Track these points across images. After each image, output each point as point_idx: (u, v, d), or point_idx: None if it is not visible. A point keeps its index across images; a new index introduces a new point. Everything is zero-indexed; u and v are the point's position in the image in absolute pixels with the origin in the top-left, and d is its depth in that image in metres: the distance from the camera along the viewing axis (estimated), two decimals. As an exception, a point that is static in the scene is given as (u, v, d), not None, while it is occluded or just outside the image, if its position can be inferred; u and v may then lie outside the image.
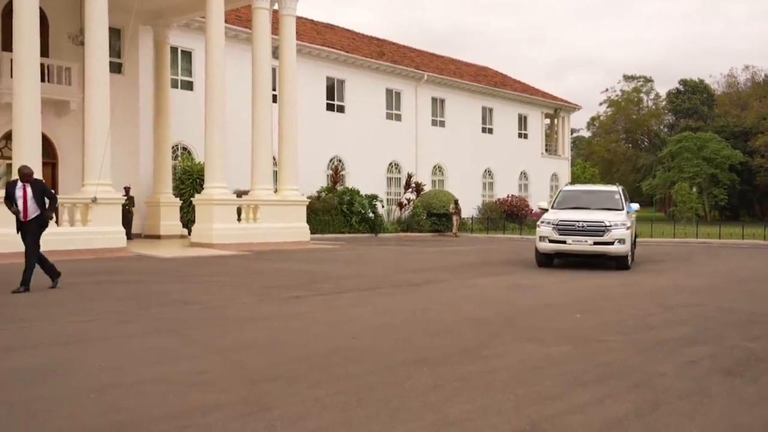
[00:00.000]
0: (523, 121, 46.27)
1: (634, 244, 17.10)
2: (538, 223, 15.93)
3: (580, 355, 6.64)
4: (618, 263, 15.52)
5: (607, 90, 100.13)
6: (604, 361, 6.35)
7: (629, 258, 15.92)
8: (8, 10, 18.57)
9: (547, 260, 16.01)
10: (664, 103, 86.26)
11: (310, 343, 7.14)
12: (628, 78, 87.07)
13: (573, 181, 52.52)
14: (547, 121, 49.56)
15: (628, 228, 15.21)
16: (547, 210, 16.60)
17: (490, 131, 43.64)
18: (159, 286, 11.91)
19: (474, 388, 5.37)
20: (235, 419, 4.54)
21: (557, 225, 15.42)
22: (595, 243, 15.05)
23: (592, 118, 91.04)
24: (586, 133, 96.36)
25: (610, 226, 15.02)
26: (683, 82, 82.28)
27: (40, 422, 4.48)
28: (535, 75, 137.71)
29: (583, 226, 15.20)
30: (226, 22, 22.01)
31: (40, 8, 17.83)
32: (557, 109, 48.70)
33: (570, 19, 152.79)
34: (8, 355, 6.50)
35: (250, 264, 16.35)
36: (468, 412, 4.75)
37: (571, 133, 62.60)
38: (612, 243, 15.02)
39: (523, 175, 45.98)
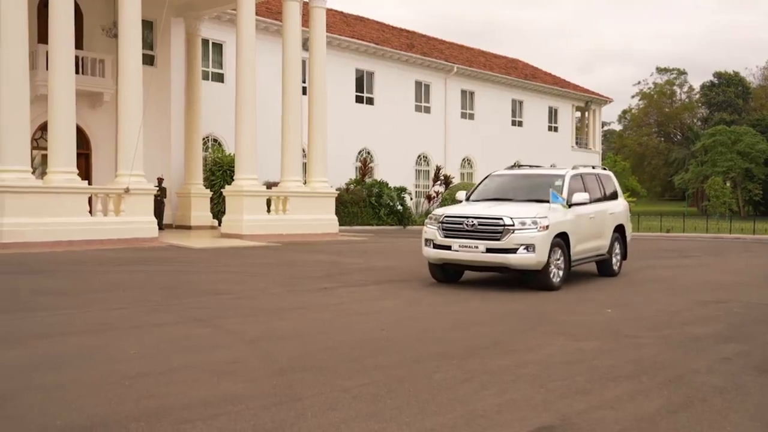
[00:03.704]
0: (553, 114, 45.86)
1: (621, 242, 13.24)
2: (426, 220, 11.50)
3: (610, 350, 6.58)
4: (537, 280, 10.62)
5: (639, 83, 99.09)
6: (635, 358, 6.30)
7: (613, 263, 12.80)
8: (44, 3, 18.86)
9: (443, 273, 11.42)
10: (697, 96, 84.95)
11: (339, 334, 7.18)
12: (661, 70, 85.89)
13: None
14: (578, 114, 49.06)
15: (544, 228, 10.38)
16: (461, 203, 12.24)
17: (520, 124, 43.32)
18: (190, 276, 12.05)
19: (503, 381, 5.36)
20: (266, 408, 4.58)
21: (442, 223, 10.94)
22: (489, 250, 10.41)
23: (624, 111, 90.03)
24: (618, 127, 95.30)
25: (511, 225, 10.31)
26: (718, 74, 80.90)
27: (77, 407, 4.57)
28: (567, 68, 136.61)
29: (473, 225, 10.56)
30: (256, 14, 22.11)
31: (75, 1, 18.11)
32: (588, 101, 48.17)
33: (603, 12, 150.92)
34: (44, 342, 6.63)
35: (279, 255, 16.46)
36: (497, 405, 4.74)
37: (602, 127, 61.88)
38: (513, 250, 10.28)
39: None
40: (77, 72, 19.33)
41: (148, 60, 24.08)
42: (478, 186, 12.65)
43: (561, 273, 10.87)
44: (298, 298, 9.71)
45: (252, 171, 21.30)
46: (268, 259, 15.54)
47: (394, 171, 34.47)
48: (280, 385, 5.17)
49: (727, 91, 78.62)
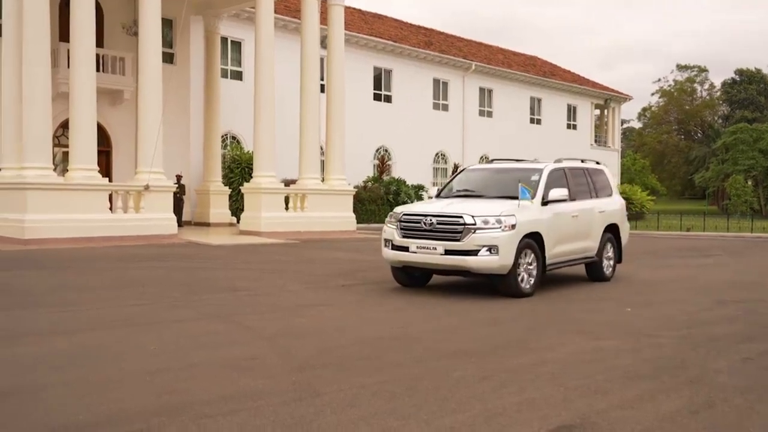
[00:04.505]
0: (572, 111, 45.59)
1: (614, 244, 12.06)
2: (387, 218, 10.54)
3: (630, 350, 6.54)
4: (503, 285, 9.59)
5: (659, 80, 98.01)
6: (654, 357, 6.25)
7: (604, 267, 11.71)
8: (65, 2, 19.04)
9: (406, 276, 10.47)
10: (718, 93, 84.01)
11: (357, 331, 7.19)
12: (681, 68, 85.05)
13: (622, 174, 51.58)
14: (597, 111, 48.73)
15: (509, 227, 9.34)
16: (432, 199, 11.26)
17: (539, 122, 43.11)
18: (209, 273, 12.12)
19: (522, 380, 5.34)
20: (285, 404, 4.60)
21: (400, 222, 10.01)
22: (448, 252, 9.41)
23: (644, 109, 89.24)
24: (637, 124, 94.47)
25: (472, 224, 9.31)
26: (739, 71, 79.98)
27: (99, 402, 4.62)
28: (586, 65, 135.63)
29: (431, 224, 9.61)
30: (275, 12, 22.18)
31: (96, 0, 18.25)
32: (607, 99, 47.83)
33: (622, 8, 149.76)
34: (66, 337, 6.71)
35: (297, 252, 16.51)
36: (517, 403, 4.73)
37: (622, 124, 61.44)
38: (474, 252, 9.27)
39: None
40: (98, 70, 19.50)
41: (168, 58, 24.22)
42: (450, 181, 11.74)
43: (533, 278, 9.76)
44: (317, 295, 9.74)
45: (270, 168, 21.38)
46: (286, 256, 15.59)
47: (412, 169, 34.43)
48: (299, 381, 5.18)
49: (749, 88, 77.71)
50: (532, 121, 42.68)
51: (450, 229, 9.45)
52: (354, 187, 25.05)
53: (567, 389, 5.08)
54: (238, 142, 28.18)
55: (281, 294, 9.79)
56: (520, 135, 41.05)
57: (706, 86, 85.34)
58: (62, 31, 20.18)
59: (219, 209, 25.20)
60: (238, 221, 23.48)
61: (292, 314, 8.21)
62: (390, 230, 10.11)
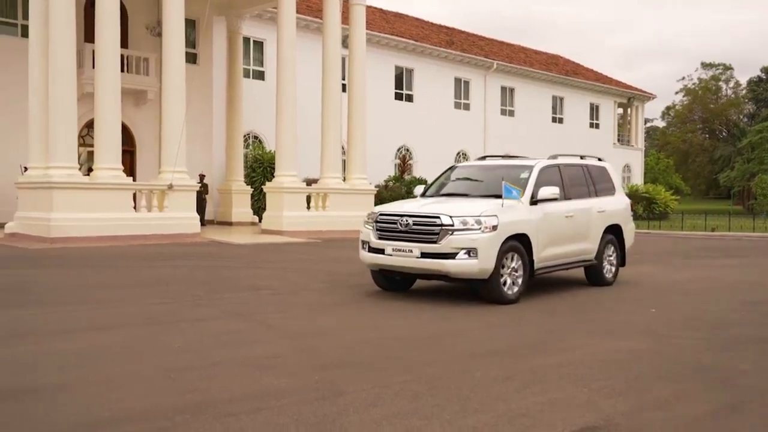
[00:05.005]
0: (594, 110, 45.25)
1: (616, 246, 11.31)
2: (364, 219, 9.93)
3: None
4: (483, 291, 8.99)
5: (683, 78, 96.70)
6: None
7: (604, 271, 10.96)
8: (91, 3, 19.27)
9: (386, 280, 9.92)
10: (744, 91, 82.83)
11: (379, 331, 7.20)
12: (706, 66, 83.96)
13: (646, 173, 51.05)
14: (620, 110, 48.31)
15: (490, 228, 8.68)
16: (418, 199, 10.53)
17: (561, 121, 42.85)
18: (231, 272, 12.20)
19: (545, 380, 5.31)
20: (308, 403, 4.62)
21: (377, 222, 9.44)
22: (424, 254, 8.80)
23: (667, 108, 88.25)
24: (661, 123, 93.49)
25: (450, 225, 8.68)
26: (765, 69, 78.81)
27: (125, 399, 4.67)
28: (607, 63, 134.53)
29: (407, 225, 9.02)
30: (297, 12, 22.26)
31: (120, 1, 18.45)
32: (630, 98, 47.41)
33: (643, 6, 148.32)
34: (90, 335, 6.79)
35: (319, 251, 16.56)
36: (540, 404, 4.70)
37: (645, 123, 60.82)
38: (451, 255, 8.64)
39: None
40: (122, 70, 19.73)
41: (191, 58, 24.40)
42: (436, 179, 11.06)
43: (519, 283, 9.07)
44: (338, 295, 9.76)
45: (292, 168, 21.47)
46: (307, 255, 15.64)
47: (433, 168, 34.27)
48: (321, 380, 5.20)
49: (776, 86, 76.59)
50: (554, 120, 42.43)
51: (426, 231, 8.83)
52: (375, 187, 25.08)
53: (591, 390, 5.05)
54: (260, 141, 28.34)
55: (303, 293, 9.83)
56: (541, 134, 40.83)
57: (732, 84, 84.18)
58: (87, 32, 20.42)
59: (241, 208, 25.35)
60: (260, 220, 23.60)
61: (315, 313, 8.24)
62: (366, 231, 9.56)
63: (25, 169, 18.71)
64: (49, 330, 6.98)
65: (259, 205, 25.19)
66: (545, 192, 9.59)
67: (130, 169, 22.72)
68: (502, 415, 4.48)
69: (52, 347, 6.23)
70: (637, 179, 47.21)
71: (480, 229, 8.63)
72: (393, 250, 9.08)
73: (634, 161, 47.97)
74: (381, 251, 9.24)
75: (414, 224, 8.95)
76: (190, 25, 24.34)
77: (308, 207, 21.80)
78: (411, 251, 8.88)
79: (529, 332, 7.25)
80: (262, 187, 23.09)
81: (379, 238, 9.28)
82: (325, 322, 7.68)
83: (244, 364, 5.69)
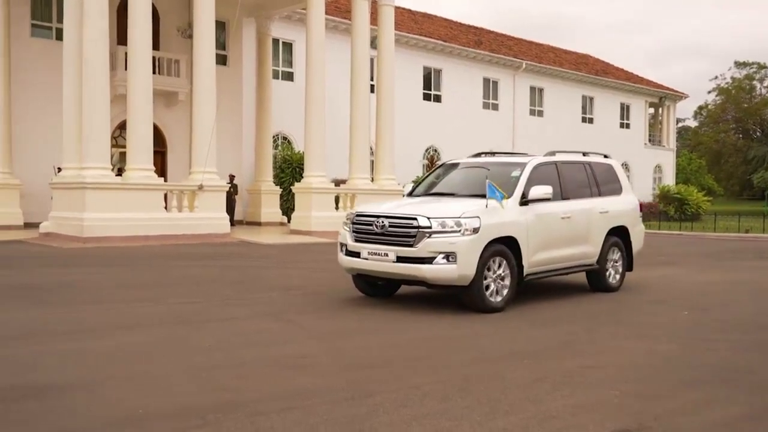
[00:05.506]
0: (625, 110, 44.75)
1: (622, 249, 10.47)
2: (343, 220, 9.34)
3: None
4: (465, 298, 8.34)
5: (716, 77, 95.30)
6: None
7: (608, 276, 10.17)
8: (123, 5, 19.54)
9: (367, 285, 9.34)
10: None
11: (409, 331, 7.20)
12: (739, 65, 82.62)
13: (678, 173, 50.33)
14: (651, 110, 47.71)
15: (471, 231, 8.02)
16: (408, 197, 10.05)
17: (591, 121, 42.45)
18: (260, 272, 12.29)
19: (576, 383, 5.27)
20: (338, 403, 4.63)
21: (354, 224, 8.87)
22: (400, 259, 8.17)
23: (700, 107, 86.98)
24: (693, 123, 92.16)
25: (428, 227, 8.04)
26: (801, 68, 77.31)
27: (157, 396, 4.74)
28: (638, 63, 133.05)
29: (382, 227, 8.40)
30: (325, 13, 22.35)
31: (152, 4, 18.69)
32: (662, 97, 46.80)
33: (676, 5, 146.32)
34: (121, 334, 6.89)
35: (347, 252, 16.57)
36: (571, 406, 4.67)
37: (677, 123, 59.98)
38: (429, 260, 7.99)
39: (625, 166, 44.40)
40: (154, 72, 19.96)
41: (221, 60, 24.63)
42: (424, 178, 10.39)
43: (506, 290, 8.41)
44: (367, 295, 9.76)
45: (321, 168, 21.56)
46: (336, 255, 15.63)
47: (461, 169, 34.23)
48: (351, 380, 5.22)
49: (812, 85, 75.08)
50: (584, 120, 42.05)
51: (403, 233, 8.18)
52: (403, 187, 25.04)
53: (622, 393, 5.00)
54: (289, 142, 28.50)
55: (332, 293, 9.86)
56: (571, 134, 40.47)
57: (766, 83, 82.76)
58: (120, 34, 20.72)
59: (270, 209, 25.52)
60: (288, 221, 23.74)
61: (344, 313, 8.26)
62: (344, 233, 8.99)
63: (59, 169, 19.04)
64: (80, 328, 7.10)
65: (287, 206, 25.34)
66: (537, 191, 8.85)
67: (161, 169, 22.99)
68: (533, 417, 4.45)
69: (83, 345, 6.33)
70: (669, 180, 46.59)
71: (460, 231, 8.00)
72: (368, 253, 8.48)
73: (666, 162, 47.33)
74: (357, 254, 8.65)
75: (390, 226, 8.32)
76: (220, 27, 24.57)
77: (336, 207, 21.87)
78: (387, 255, 8.26)
79: (558, 334, 7.18)
80: (291, 187, 23.22)
81: (356, 241, 8.71)
82: (354, 322, 7.70)
83: (274, 363, 5.74)
